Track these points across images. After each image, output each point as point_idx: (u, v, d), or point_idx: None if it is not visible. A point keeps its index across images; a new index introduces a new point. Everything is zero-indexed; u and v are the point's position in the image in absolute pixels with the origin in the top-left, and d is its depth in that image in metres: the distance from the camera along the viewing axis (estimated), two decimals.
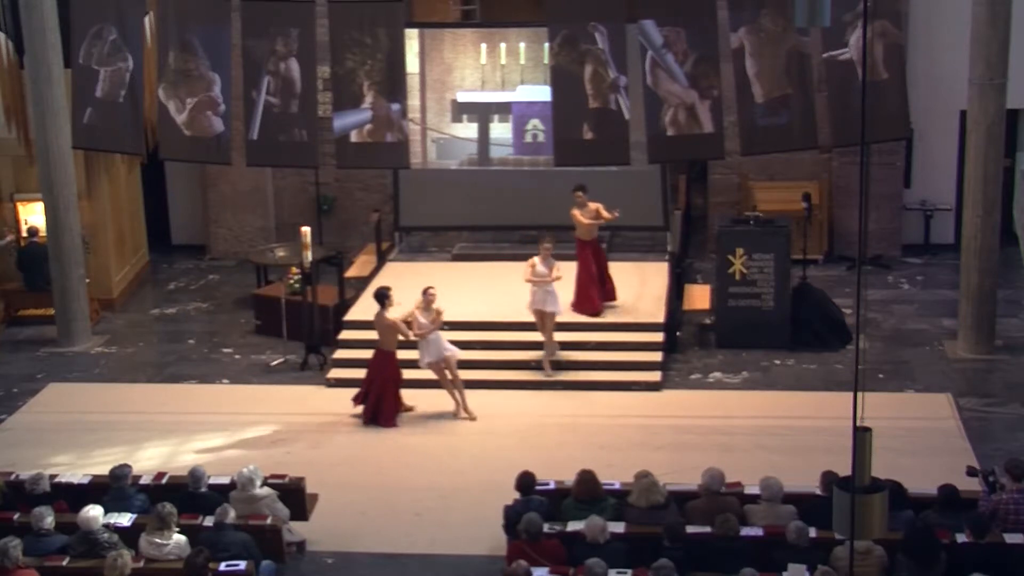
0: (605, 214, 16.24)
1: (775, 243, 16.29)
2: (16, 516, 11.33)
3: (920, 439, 13.88)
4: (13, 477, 12.08)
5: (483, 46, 18.83)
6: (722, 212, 18.77)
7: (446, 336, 14.80)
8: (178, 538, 10.77)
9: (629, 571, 10.25)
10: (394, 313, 14.73)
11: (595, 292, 16.38)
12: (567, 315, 16.24)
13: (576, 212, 16.20)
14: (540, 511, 10.95)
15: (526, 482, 11.47)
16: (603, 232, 19.00)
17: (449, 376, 14.79)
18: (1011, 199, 17.72)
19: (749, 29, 13.70)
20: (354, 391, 14.92)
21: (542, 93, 17.50)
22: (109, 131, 14.65)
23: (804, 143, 14.24)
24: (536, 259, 15.41)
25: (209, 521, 11.07)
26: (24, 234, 18.05)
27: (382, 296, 14.72)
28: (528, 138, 18.89)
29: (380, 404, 14.70)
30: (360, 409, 14.78)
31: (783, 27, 13.59)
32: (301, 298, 16.37)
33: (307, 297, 16.28)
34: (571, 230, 18.99)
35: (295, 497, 11.97)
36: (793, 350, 16.36)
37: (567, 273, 15.95)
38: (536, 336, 15.78)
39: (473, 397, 14.87)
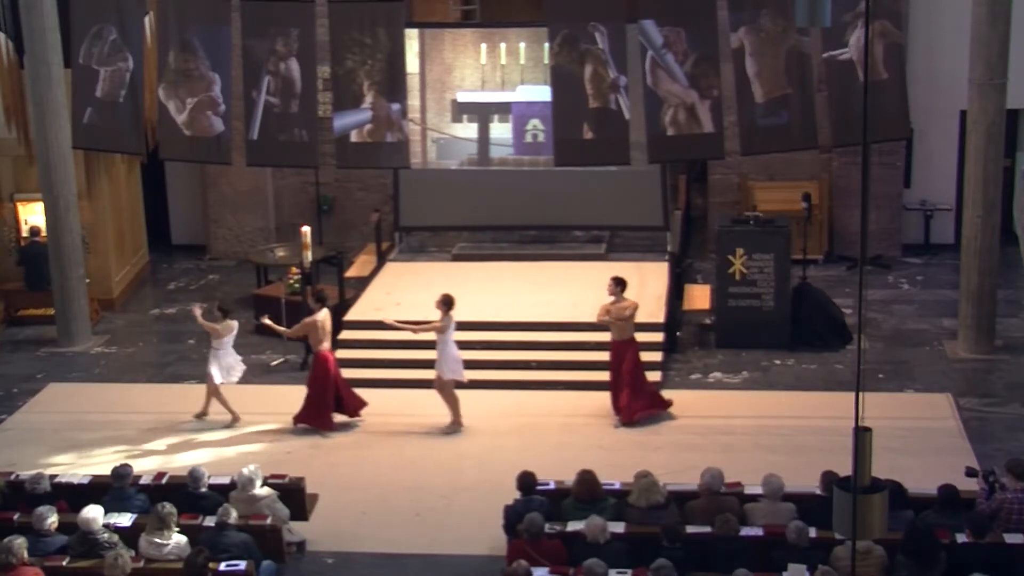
0: (635, 313, 14.41)
1: (775, 243, 16.28)
2: (16, 516, 11.33)
3: (920, 439, 13.88)
4: (13, 477, 12.08)
5: (483, 46, 18.83)
6: (722, 212, 18.75)
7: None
8: (178, 538, 10.77)
9: (629, 571, 10.24)
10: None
11: (624, 396, 14.49)
12: (566, 314, 16.24)
13: (608, 307, 14.35)
14: (541, 511, 10.94)
15: (526, 482, 11.47)
16: (603, 232, 19.09)
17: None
18: (1011, 199, 17.71)
19: (749, 29, 13.71)
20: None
21: (542, 93, 17.49)
22: (109, 131, 14.66)
23: (804, 143, 14.24)
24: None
25: (209, 521, 11.07)
26: (24, 234, 18.04)
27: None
28: (528, 138, 18.88)
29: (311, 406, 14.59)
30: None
31: (783, 27, 13.60)
32: (301, 298, 16.37)
33: (307, 297, 16.27)
34: (568, 231, 19.07)
35: (295, 497, 11.97)
36: (793, 350, 16.35)
37: None
38: (535, 336, 15.79)
39: (474, 397, 14.84)
